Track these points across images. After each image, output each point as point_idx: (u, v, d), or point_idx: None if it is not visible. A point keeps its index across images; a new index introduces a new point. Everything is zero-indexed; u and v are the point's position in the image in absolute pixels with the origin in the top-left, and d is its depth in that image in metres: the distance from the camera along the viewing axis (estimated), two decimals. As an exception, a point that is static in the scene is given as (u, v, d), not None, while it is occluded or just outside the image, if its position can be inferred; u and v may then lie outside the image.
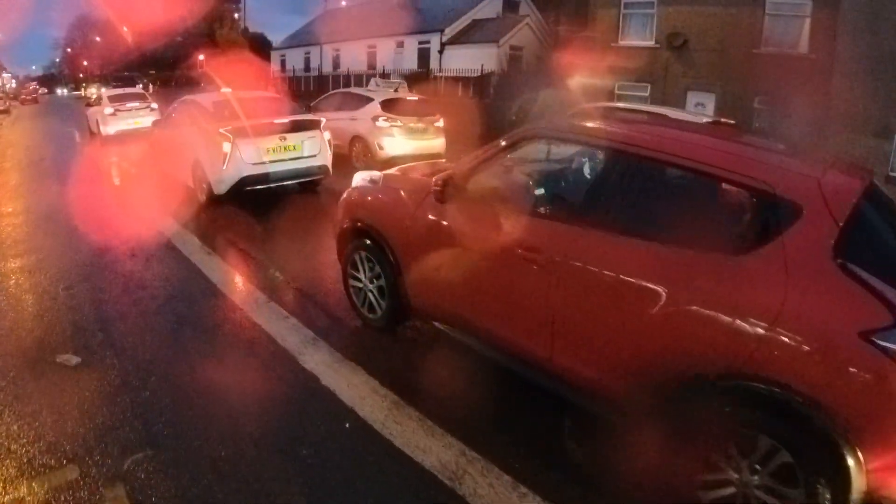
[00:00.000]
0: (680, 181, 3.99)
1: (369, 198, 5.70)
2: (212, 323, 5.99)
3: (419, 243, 4.92)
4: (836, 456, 2.90)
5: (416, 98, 16.92)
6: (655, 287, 3.48)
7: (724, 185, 3.64)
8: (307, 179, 11.43)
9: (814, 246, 3.12)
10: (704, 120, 11.59)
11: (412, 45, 40.53)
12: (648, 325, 3.51)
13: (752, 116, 21.40)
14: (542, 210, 4.49)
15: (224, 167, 10.15)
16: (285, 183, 11.02)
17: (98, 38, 71.83)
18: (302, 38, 53.97)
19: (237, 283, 7.17)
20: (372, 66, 42.93)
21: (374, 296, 5.60)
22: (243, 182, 10.26)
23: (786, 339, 3.02)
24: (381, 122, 14.89)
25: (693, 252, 3.42)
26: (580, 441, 4.16)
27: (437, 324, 5.05)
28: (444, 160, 6.95)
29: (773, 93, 20.51)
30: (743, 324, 3.15)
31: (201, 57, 44.57)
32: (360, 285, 5.71)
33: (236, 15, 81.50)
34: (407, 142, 15.04)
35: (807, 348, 2.99)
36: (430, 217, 4.83)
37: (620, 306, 3.65)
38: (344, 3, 56.32)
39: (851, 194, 3.32)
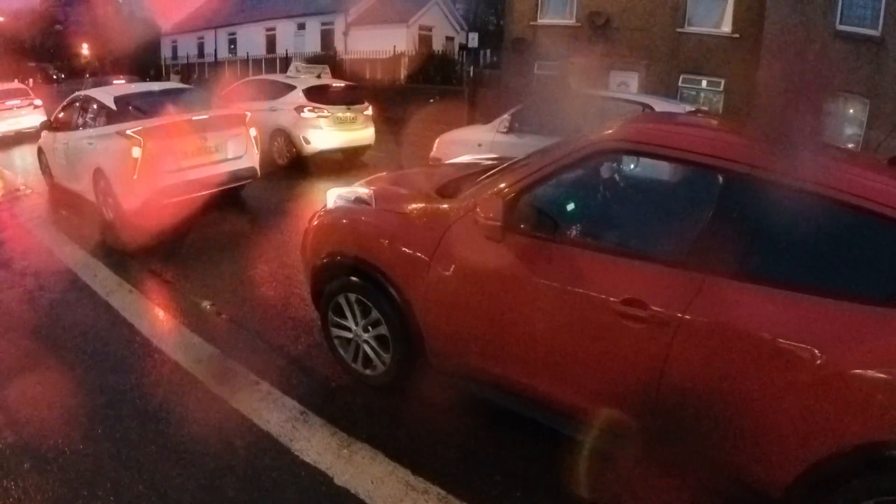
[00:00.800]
0: (828, 218, 3.03)
1: (359, 224, 4.47)
2: (161, 406, 4.35)
3: (451, 289, 3.87)
4: None
5: (343, 84, 14.95)
6: (807, 349, 2.80)
7: (885, 225, 2.83)
8: (237, 185, 9.67)
9: None
10: (687, 108, 10.42)
11: (315, 26, 39.04)
12: (791, 395, 2.84)
13: (676, 95, 21.27)
14: (634, 247, 3.56)
15: (134, 177, 8.11)
16: (216, 189, 9.11)
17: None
18: (194, 23, 51.41)
19: (179, 335, 5.41)
20: (272, 49, 41.22)
21: (370, 347, 4.46)
22: (161, 193, 8.29)
23: None
24: (306, 113, 12.99)
25: (847, 305, 2.79)
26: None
27: (472, 385, 4.05)
28: (434, 166, 5.54)
29: (698, 72, 20.75)
30: None
31: (85, 46, 41.63)
32: (349, 335, 4.55)
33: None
34: (336, 134, 13.33)
35: None
36: (468, 256, 3.74)
37: (755, 372, 2.92)
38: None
39: None
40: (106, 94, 9.50)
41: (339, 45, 36.64)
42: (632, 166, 4.67)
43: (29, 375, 4.69)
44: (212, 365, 4.83)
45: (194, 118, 8.83)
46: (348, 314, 4.50)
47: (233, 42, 45.90)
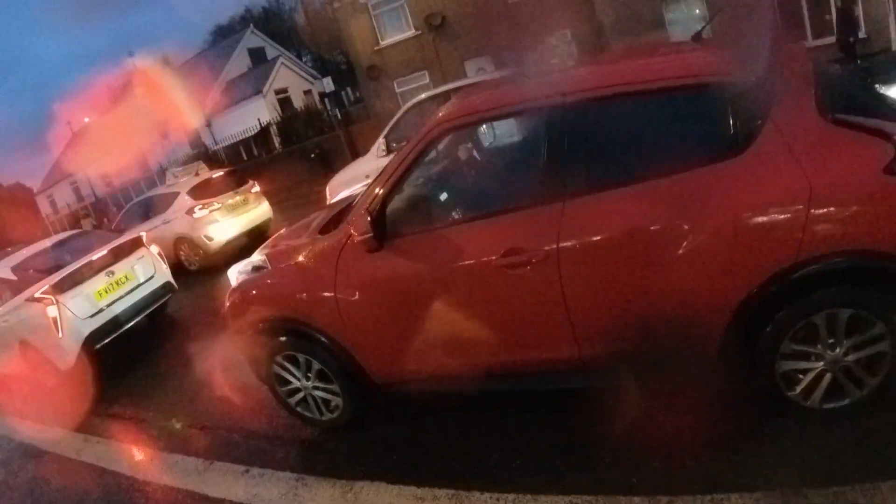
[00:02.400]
0: (644, 109, 3.43)
1: (266, 288, 4.61)
2: None
3: (362, 310, 4.05)
4: None
5: (221, 173, 14.82)
6: (674, 225, 3.17)
7: (692, 94, 3.25)
8: (159, 304, 9.42)
9: (802, 114, 3.04)
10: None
11: (177, 130, 38.62)
12: (683, 267, 3.17)
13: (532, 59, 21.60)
14: (494, 206, 3.80)
15: (60, 335, 7.91)
16: (142, 316, 8.90)
17: None
18: (62, 171, 50.50)
19: (160, 460, 5.44)
20: (146, 168, 40.68)
21: (322, 394, 4.57)
22: (91, 340, 8.11)
23: (826, 209, 2.93)
24: (198, 213, 12.84)
25: (694, 171, 3.16)
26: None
27: (416, 386, 4.23)
28: (311, 216, 5.63)
29: (543, 31, 21.15)
30: (783, 215, 2.99)
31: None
32: (300, 390, 4.65)
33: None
34: (234, 221, 13.25)
35: (849, 207, 2.93)
36: (364, 274, 3.98)
37: (642, 264, 3.26)
38: (87, 120, 53.38)
39: (805, 54, 3.32)
40: (2, 268, 9.16)
41: (206, 139, 36.43)
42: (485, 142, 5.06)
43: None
44: (200, 474, 4.89)
45: (94, 258, 8.71)
46: (290, 372, 4.59)
47: (107, 175, 45.13)
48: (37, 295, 7.98)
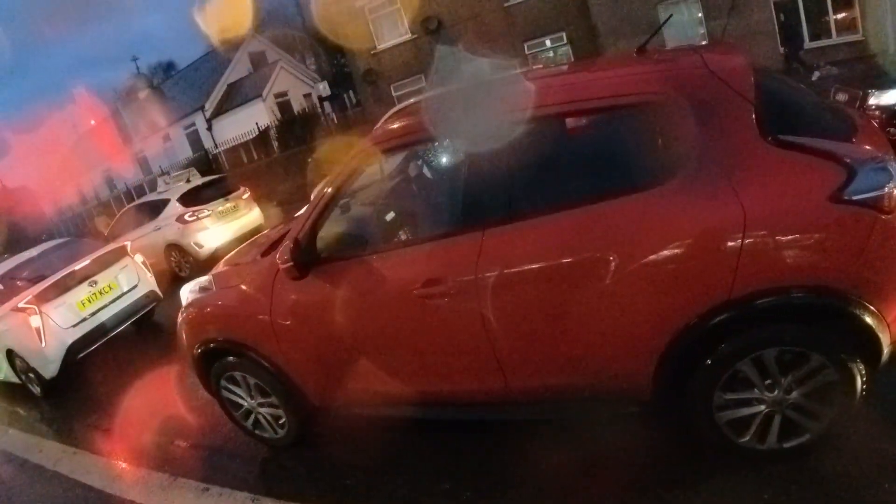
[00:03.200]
0: (564, 133, 3.35)
1: (211, 309, 4.59)
2: None
3: (296, 335, 4.04)
4: (859, 328, 2.79)
5: (212, 178, 15.32)
6: (598, 256, 3.00)
7: (613, 115, 3.11)
8: (142, 314, 9.56)
9: (739, 135, 2.83)
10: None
11: (178, 133, 38.84)
12: (609, 301, 3.03)
13: (528, 60, 21.74)
14: (413, 238, 3.94)
15: (43, 344, 8.13)
16: (124, 326, 9.14)
17: None
18: (66, 174, 50.61)
19: (129, 474, 5.44)
20: (148, 171, 40.79)
21: (266, 414, 4.62)
22: (73, 350, 8.34)
23: (764, 241, 2.76)
24: (188, 219, 12.97)
25: (621, 198, 2.97)
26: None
27: (356, 410, 4.20)
28: (262, 233, 5.76)
29: (538, 35, 21.28)
30: (716, 247, 2.81)
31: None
32: (245, 406, 4.69)
33: (-14, 180, 76.01)
34: (224, 228, 13.33)
35: (787, 238, 2.75)
36: (295, 300, 3.96)
37: (565, 296, 3.12)
38: (92, 122, 53.55)
39: (746, 68, 2.98)
40: None
41: (207, 141, 36.48)
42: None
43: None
44: (164, 490, 4.88)
45: (77, 268, 8.87)
46: (236, 390, 4.62)
47: (108, 178, 45.27)
48: (20, 305, 8.19)
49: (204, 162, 33.89)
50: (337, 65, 46.16)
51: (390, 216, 4.51)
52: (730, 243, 2.76)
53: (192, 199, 13.41)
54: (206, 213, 13.14)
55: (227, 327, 4.40)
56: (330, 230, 3.88)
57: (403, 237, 3.99)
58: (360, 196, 4.79)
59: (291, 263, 3.68)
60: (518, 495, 3.59)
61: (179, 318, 4.83)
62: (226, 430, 5.31)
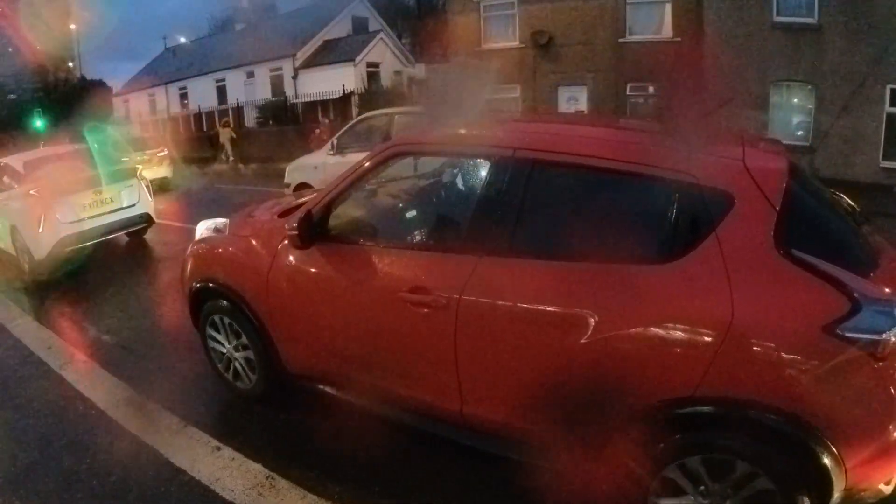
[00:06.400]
0: (585, 185, 3.36)
1: (218, 251, 4.81)
2: (120, 485, 4.03)
3: (284, 298, 4.22)
4: (816, 466, 2.65)
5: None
6: (577, 313, 3.02)
7: (640, 183, 3.06)
8: (132, 229, 11.00)
9: (753, 237, 2.76)
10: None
11: (263, 73, 39.03)
12: (577, 360, 3.04)
13: (626, 104, 21.44)
14: (417, 241, 4.01)
15: (40, 230, 9.31)
16: (113, 235, 10.53)
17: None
18: (144, 80, 51.20)
19: (136, 405, 5.04)
20: (223, 100, 41.13)
21: (241, 364, 4.79)
22: (62, 243, 9.47)
23: (742, 349, 2.67)
24: None
25: (614, 266, 3.00)
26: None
27: (323, 387, 4.28)
28: (289, 196, 6.13)
29: (644, 79, 20.94)
30: (692, 340, 2.77)
31: (37, 115, 41.12)
32: (224, 351, 4.90)
33: (70, 64, 77.51)
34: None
35: (768, 355, 2.65)
36: (292, 266, 4.13)
37: (534, 341, 3.15)
38: (183, 40, 54.19)
39: (781, 173, 2.92)
40: (17, 160, 10.87)
41: (288, 89, 36.65)
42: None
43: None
44: (173, 435, 4.57)
45: (91, 173, 10.21)
46: (221, 333, 4.83)
47: (184, 96, 45.77)
48: (31, 192, 9.51)
49: (280, 108, 34.10)
50: (430, 52, 46.24)
51: (405, 214, 4.65)
52: (708, 339, 2.72)
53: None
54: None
55: (227, 273, 4.60)
56: (347, 211, 4.02)
57: (409, 238, 4.08)
58: (390, 187, 4.91)
59: (297, 232, 3.81)
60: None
61: (188, 250, 5.09)
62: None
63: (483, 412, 3.47)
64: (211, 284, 4.67)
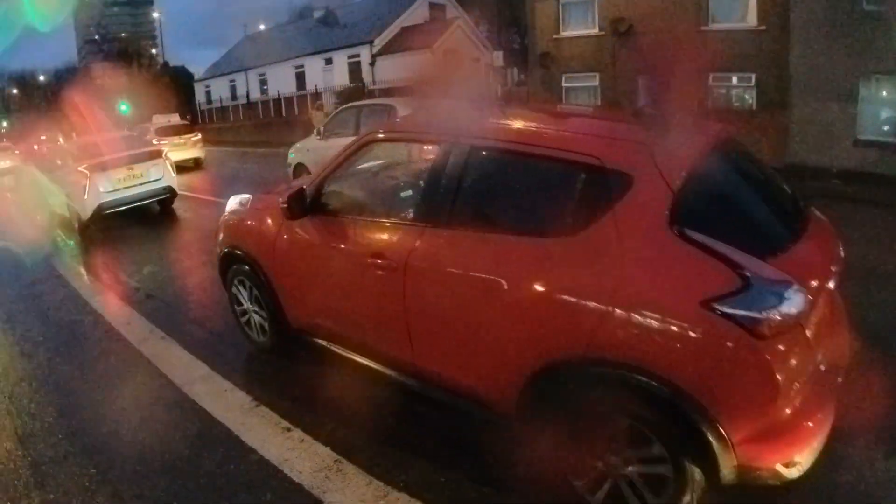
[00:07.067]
0: (507, 168, 3.82)
1: (239, 222, 5.56)
2: (191, 460, 4.15)
3: (286, 263, 4.91)
4: (698, 437, 2.80)
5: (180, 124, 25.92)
6: (493, 278, 3.41)
7: (551, 165, 3.44)
8: (157, 199, 13.61)
9: (647, 216, 3.00)
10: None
11: (341, 60, 39.53)
12: (493, 318, 3.45)
13: (708, 94, 20.90)
14: (383, 215, 4.51)
15: (85, 197, 12.13)
16: (141, 203, 13.10)
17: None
18: (225, 67, 52.43)
19: (211, 382, 5.22)
20: (301, 86, 41.78)
21: (259, 319, 5.45)
22: (101, 207, 12.27)
23: (625, 317, 2.91)
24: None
25: (529, 238, 3.36)
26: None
27: (318, 341, 4.86)
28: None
29: (727, 69, 20.42)
30: (581, 305, 3.05)
31: (123, 102, 42.54)
32: (244, 309, 5.60)
33: (154, 51, 79.64)
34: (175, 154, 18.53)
35: (648, 324, 2.87)
36: (290, 235, 4.80)
37: (463, 302, 3.60)
38: (263, 27, 55.14)
39: (687, 158, 3.18)
40: (73, 144, 14.46)
41: (366, 76, 37.01)
42: None
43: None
44: (245, 413, 4.67)
45: (127, 154, 13.10)
46: (242, 293, 5.53)
47: (264, 82, 46.65)
48: (79, 168, 12.32)
49: (357, 94, 34.45)
50: (507, 39, 46.08)
51: (376, 192, 5.18)
52: (596, 305, 2.98)
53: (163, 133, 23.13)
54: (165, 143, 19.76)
55: (246, 241, 5.31)
56: (333, 189, 4.65)
57: (378, 211, 4.59)
58: (385, 169, 5.57)
59: (286, 205, 4.44)
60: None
61: (220, 220, 5.82)
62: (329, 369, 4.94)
63: (428, 360, 3.95)
64: (236, 251, 5.38)
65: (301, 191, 4.52)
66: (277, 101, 41.95)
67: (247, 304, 5.50)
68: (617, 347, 2.94)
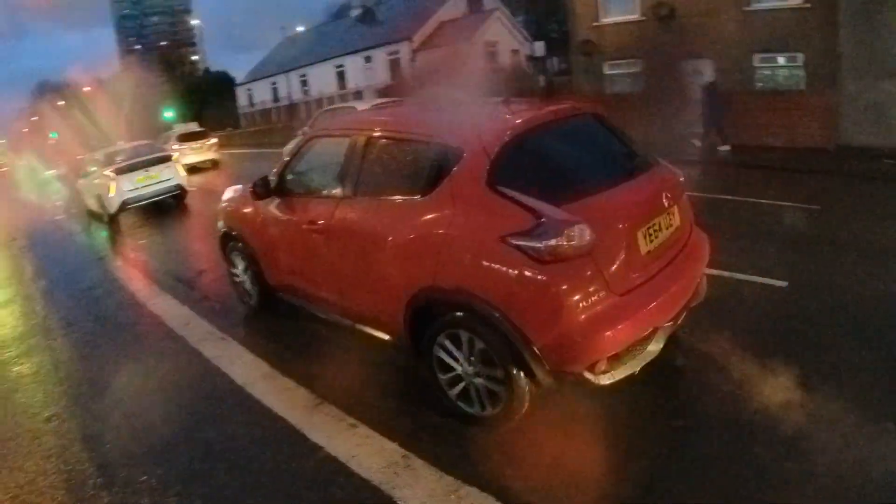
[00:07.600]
0: (387, 150, 4.79)
1: (232, 207, 6.65)
2: (252, 459, 4.17)
3: (260, 235, 6.01)
4: (508, 342, 3.68)
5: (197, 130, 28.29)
6: (378, 230, 4.47)
7: (414, 145, 4.56)
8: (169, 195, 16.04)
9: (471, 178, 3.93)
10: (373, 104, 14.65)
11: (381, 57, 39.73)
12: (381, 259, 4.45)
13: (754, 76, 20.52)
14: (318, 192, 5.51)
15: (111, 195, 14.83)
16: (157, 198, 15.69)
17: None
18: (266, 69, 52.99)
19: (272, 380, 5.22)
20: (343, 85, 42.07)
21: (249, 285, 6.55)
22: (124, 203, 14.93)
23: (452, 254, 3.89)
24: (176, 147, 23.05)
25: (399, 199, 4.43)
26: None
27: (289, 298, 5.94)
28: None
29: (772, 49, 19.94)
30: (428, 246, 4.05)
31: (169, 108, 43.36)
32: (238, 279, 6.70)
33: (194, 57, 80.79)
34: (192, 157, 24.44)
35: (466, 259, 3.83)
36: (262, 214, 5.89)
37: (364, 250, 4.64)
38: (301, 28, 55.60)
39: (505, 133, 4.05)
40: (101, 153, 17.50)
41: (406, 72, 37.11)
42: None
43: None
44: (309, 411, 4.63)
45: (144, 159, 15.91)
46: (236, 265, 6.66)
47: (304, 83, 47.06)
48: (106, 172, 15.13)
49: (398, 90, 34.52)
50: (546, 28, 45.79)
51: (315, 175, 5.97)
52: (436, 245, 3.99)
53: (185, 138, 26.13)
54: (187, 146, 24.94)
55: (236, 221, 6.48)
56: (293, 175, 5.73)
57: (315, 190, 5.57)
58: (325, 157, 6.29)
59: (252, 189, 5.66)
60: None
61: (219, 207, 6.92)
62: (389, 371, 5.03)
63: (347, 298, 4.98)
64: (232, 232, 6.55)
65: (265, 178, 5.71)
66: (319, 100, 42.24)
67: (241, 274, 6.62)
68: (451, 277, 3.89)
